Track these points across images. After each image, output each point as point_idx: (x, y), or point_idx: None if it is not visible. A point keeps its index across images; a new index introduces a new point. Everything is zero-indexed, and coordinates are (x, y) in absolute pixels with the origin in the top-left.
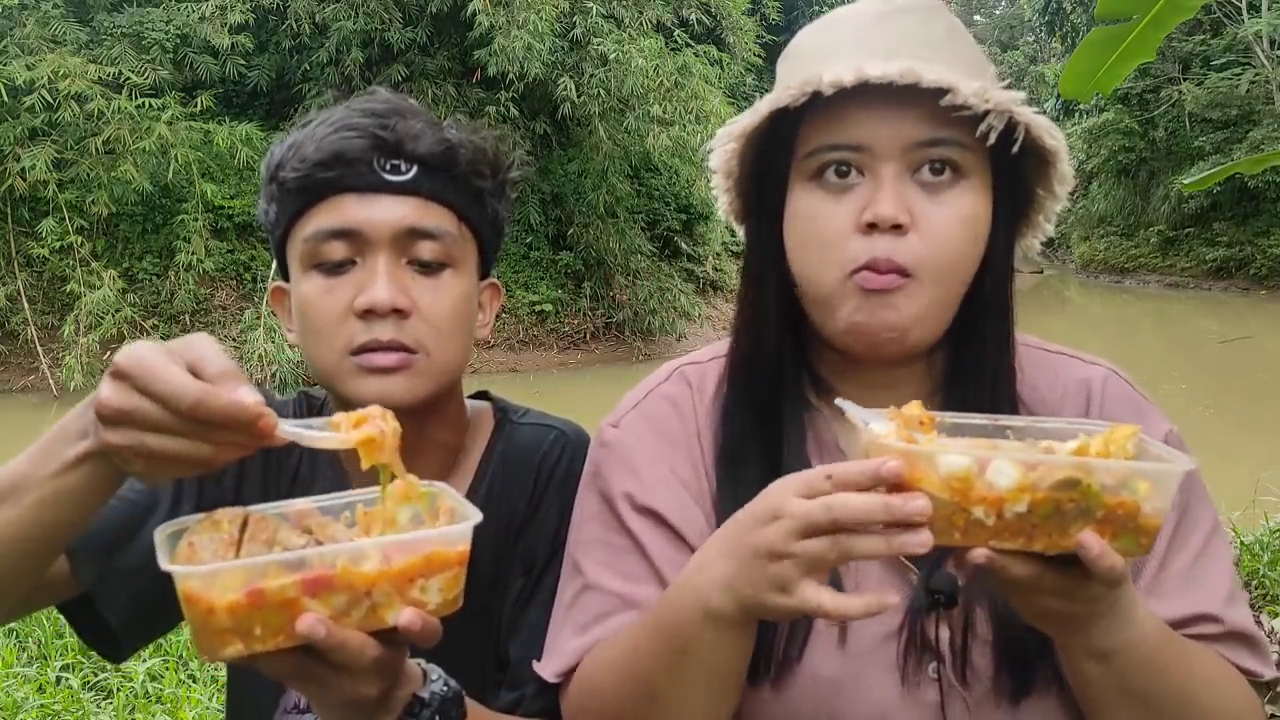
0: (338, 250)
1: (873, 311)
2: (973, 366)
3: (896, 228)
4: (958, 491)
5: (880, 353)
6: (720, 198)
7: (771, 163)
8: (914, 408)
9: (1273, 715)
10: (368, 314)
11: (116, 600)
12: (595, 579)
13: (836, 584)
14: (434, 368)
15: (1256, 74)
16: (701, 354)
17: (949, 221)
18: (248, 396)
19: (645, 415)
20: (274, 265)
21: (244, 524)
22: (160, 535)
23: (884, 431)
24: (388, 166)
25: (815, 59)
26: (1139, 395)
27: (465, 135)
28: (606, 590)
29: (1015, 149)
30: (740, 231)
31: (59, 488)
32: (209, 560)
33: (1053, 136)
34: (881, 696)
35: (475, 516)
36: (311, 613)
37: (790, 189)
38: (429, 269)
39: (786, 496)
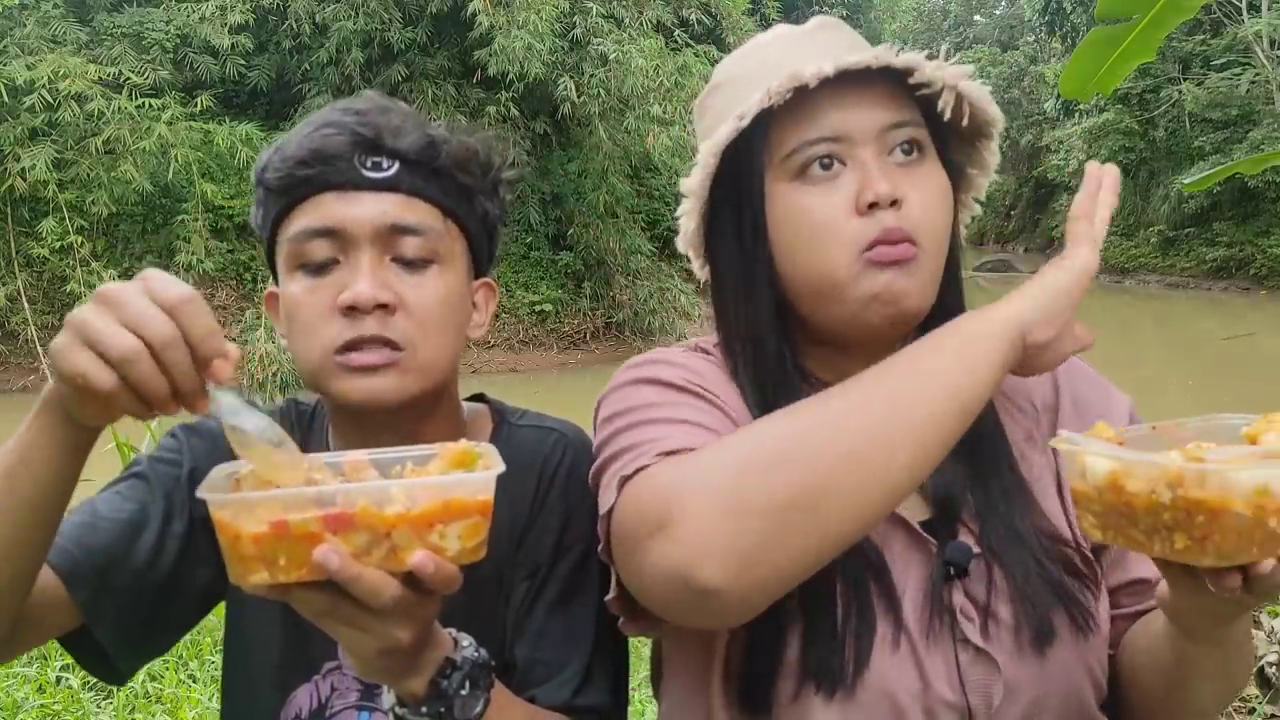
0: (321, 249)
1: (892, 281)
2: None
3: (894, 203)
4: (1259, 507)
5: (889, 329)
6: (687, 224)
7: (743, 174)
8: (1104, 430)
9: (1273, 715)
10: (351, 310)
11: (108, 619)
12: (694, 416)
13: (879, 562)
14: (420, 365)
15: (1256, 74)
16: (706, 340)
17: (930, 194)
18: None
19: (687, 355)
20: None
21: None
22: (216, 472)
23: (1136, 457)
24: (368, 163)
25: (757, 80)
26: (1094, 373)
27: (452, 134)
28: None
29: (965, 121)
30: (697, 263)
31: (26, 447)
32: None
33: (993, 105)
34: (921, 660)
35: (499, 467)
36: (328, 544)
37: (770, 195)
38: (414, 265)
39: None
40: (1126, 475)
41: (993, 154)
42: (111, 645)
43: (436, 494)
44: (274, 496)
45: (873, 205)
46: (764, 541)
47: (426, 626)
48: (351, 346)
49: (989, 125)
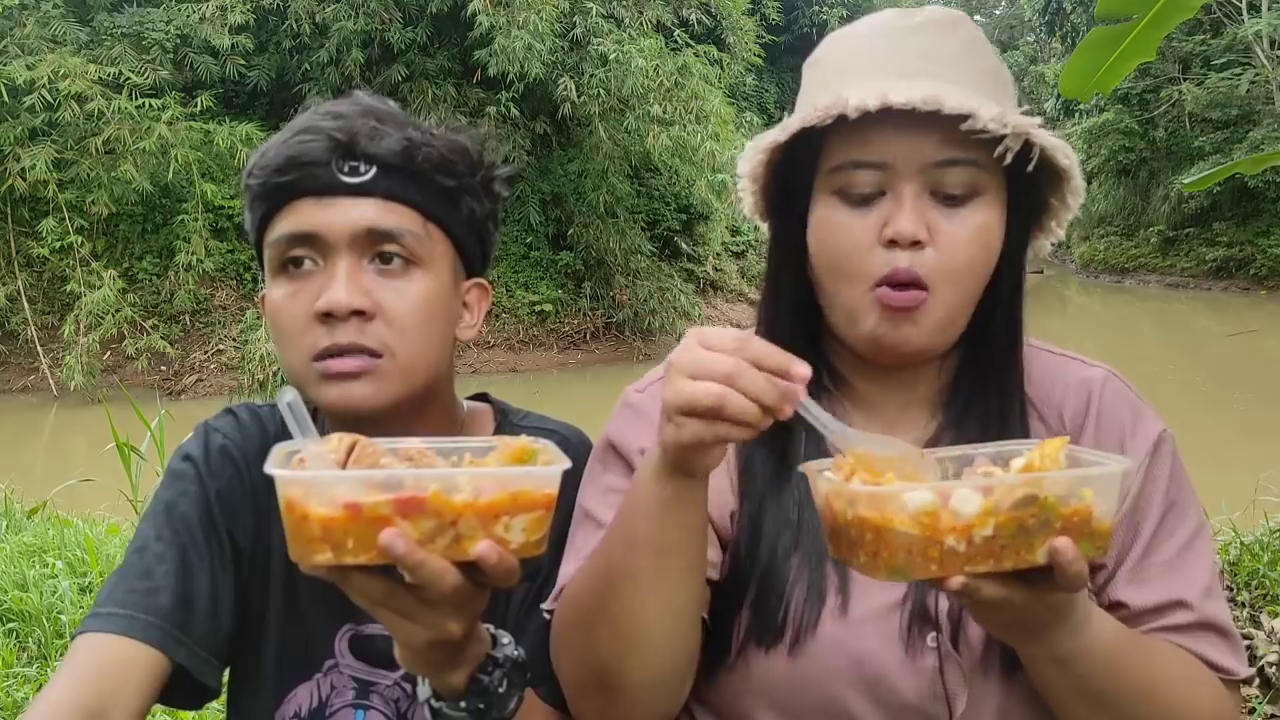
0: (299, 254)
1: (894, 327)
2: (983, 367)
3: (915, 243)
4: (927, 526)
5: (893, 363)
6: (745, 198)
7: (796, 172)
8: (859, 455)
9: (1273, 715)
10: (328, 317)
11: (211, 666)
12: (606, 519)
13: (845, 578)
14: (399, 370)
15: (1256, 74)
16: None
17: (964, 235)
18: None
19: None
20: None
21: (351, 449)
22: (278, 450)
23: (837, 480)
24: (345, 168)
25: (839, 73)
26: (1135, 396)
27: (435, 134)
28: None
29: (1030, 167)
30: (764, 227)
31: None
32: None
33: (1066, 157)
34: (885, 663)
35: (564, 463)
36: (394, 528)
37: (814, 198)
38: (393, 270)
39: (681, 367)
40: (835, 495)
41: (1074, 194)
42: (216, 682)
43: (503, 485)
44: (344, 477)
45: (893, 242)
46: (587, 699)
47: (475, 620)
48: (328, 353)
49: (1065, 172)
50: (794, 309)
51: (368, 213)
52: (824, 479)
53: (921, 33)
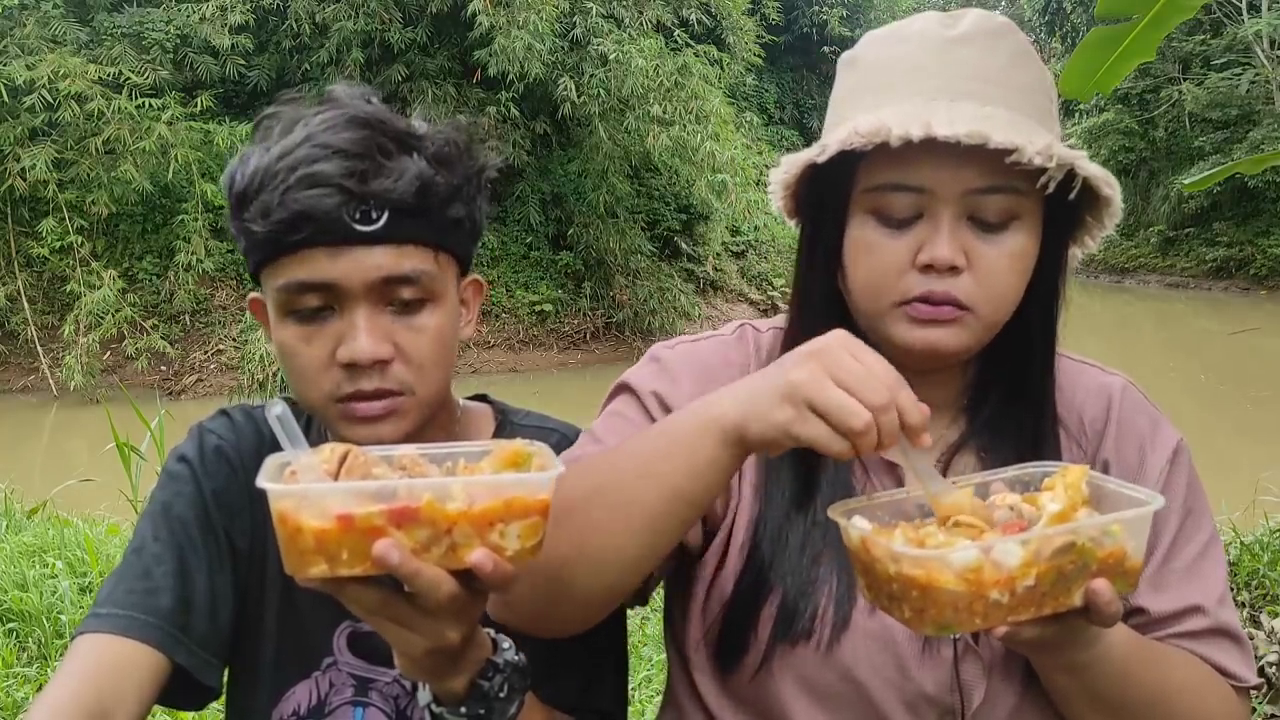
0: (313, 300)
1: (924, 336)
2: (1016, 380)
3: (951, 268)
4: (973, 582)
5: (928, 367)
6: (774, 200)
7: (832, 183)
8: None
9: (1273, 715)
10: (350, 365)
11: (212, 666)
12: (609, 441)
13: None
14: (419, 403)
15: (1256, 74)
16: (762, 322)
17: (1001, 262)
18: None
19: (700, 351)
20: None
21: (343, 459)
22: (270, 462)
23: (871, 529)
24: (358, 215)
25: (882, 87)
26: (1151, 405)
27: (431, 139)
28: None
29: (1072, 196)
30: (790, 224)
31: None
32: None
33: (1109, 187)
34: (906, 652)
35: (558, 468)
36: (389, 538)
37: (850, 214)
38: (409, 308)
39: (834, 356)
40: (873, 544)
41: (1112, 216)
42: (217, 682)
43: (497, 492)
44: (336, 489)
45: (929, 266)
46: (539, 598)
47: (474, 626)
48: (353, 398)
49: (1106, 201)
50: (825, 309)
51: (383, 261)
52: (855, 527)
53: (968, 44)
